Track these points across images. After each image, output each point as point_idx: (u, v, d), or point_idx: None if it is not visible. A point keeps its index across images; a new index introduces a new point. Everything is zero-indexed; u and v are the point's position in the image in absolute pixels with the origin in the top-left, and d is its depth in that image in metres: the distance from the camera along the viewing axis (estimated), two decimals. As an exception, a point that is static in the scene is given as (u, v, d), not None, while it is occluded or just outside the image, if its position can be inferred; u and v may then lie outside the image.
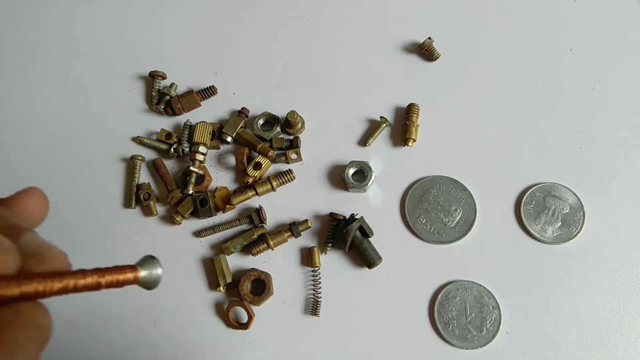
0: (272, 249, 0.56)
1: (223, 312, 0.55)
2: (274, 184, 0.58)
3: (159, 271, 0.28)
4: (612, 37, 0.65)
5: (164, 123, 0.63)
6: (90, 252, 0.57)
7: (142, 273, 0.27)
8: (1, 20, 0.69)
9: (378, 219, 0.57)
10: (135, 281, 0.27)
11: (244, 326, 0.54)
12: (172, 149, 0.60)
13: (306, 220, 0.57)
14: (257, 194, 0.58)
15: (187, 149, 0.60)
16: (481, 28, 0.66)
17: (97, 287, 0.26)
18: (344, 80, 0.64)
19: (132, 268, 0.27)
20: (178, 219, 0.57)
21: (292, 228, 0.56)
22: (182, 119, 0.62)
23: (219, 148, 0.61)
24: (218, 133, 0.61)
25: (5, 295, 0.23)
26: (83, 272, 0.26)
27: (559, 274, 0.55)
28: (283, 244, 0.57)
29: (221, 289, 0.55)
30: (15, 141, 0.63)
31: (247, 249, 0.56)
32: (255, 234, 0.56)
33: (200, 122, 0.59)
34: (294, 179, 0.59)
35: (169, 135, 0.61)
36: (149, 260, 0.28)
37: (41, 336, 0.24)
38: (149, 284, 0.28)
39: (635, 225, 0.57)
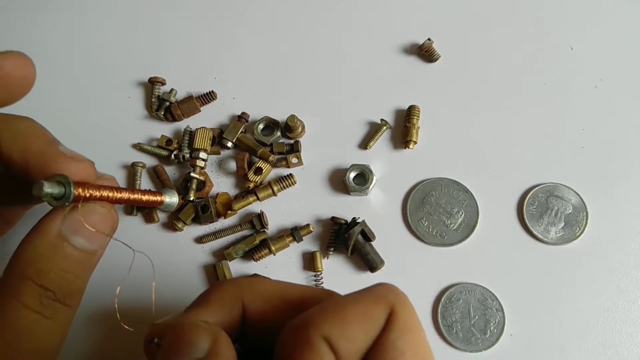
0: (274, 254, 0.56)
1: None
2: (275, 188, 0.57)
3: (175, 199, 0.48)
4: (613, 35, 0.65)
5: (164, 129, 0.62)
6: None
7: (165, 198, 0.45)
8: (0, 29, 0.69)
9: (380, 223, 0.57)
10: (161, 203, 0.44)
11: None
12: (172, 156, 0.60)
13: (308, 225, 0.57)
14: (258, 199, 0.58)
15: (188, 155, 0.60)
16: (481, 28, 0.66)
17: (140, 201, 0.41)
18: (343, 84, 0.64)
19: (160, 194, 0.44)
20: (179, 225, 0.57)
21: (294, 233, 0.56)
22: (183, 124, 0.62)
23: (219, 153, 0.61)
24: (218, 138, 0.60)
25: (93, 195, 0.35)
26: (132, 189, 0.40)
27: (562, 274, 0.55)
28: (285, 248, 0.57)
29: None
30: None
31: (249, 255, 0.56)
32: (257, 239, 0.56)
33: (200, 128, 0.59)
34: (295, 183, 0.58)
35: (169, 141, 0.61)
36: (170, 191, 0.47)
37: (113, 221, 0.37)
38: (168, 207, 0.47)
39: (639, 224, 0.57)
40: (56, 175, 0.33)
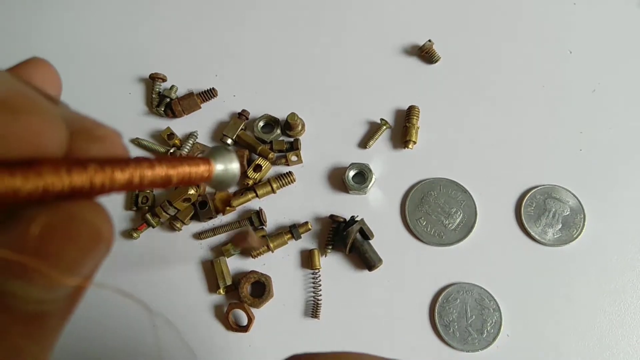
0: (272, 251, 0.56)
1: (223, 315, 0.55)
2: (274, 186, 0.58)
3: (234, 166, 0.21)
4: (612, 39, 0.66)
5: (164, 125, 0.62)
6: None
7: (218, 167, 0.21)
8: (0, 24, 0.69)
9: (378, 221, 0.57)
10: (209, 177, 0.21)
11: (244, 329, 0.54)
12: (168, 153, 0.60)
13: (306, 223, 0.57)
14: (257, 196, 0.58)
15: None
16: (481, 31, 0.67)
17: (167, 182, 0.19)
18: (344, 83, 0.64)
19: (205, 160, 0.20)
20: (178, 225, 0.57)
21: (293, 230, 0.56)
22: (183, 121, 0.62)
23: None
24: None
25: (51, 189, 0.15)
26: (150, 162, 0.19)
27: (559, 276, 0.55)
28: (283, 246, 0.57)
29: (221, 291, 0.55)
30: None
31: (247, 251, 0.56)
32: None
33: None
34: (294, 181, 0.59)
35: (171, 135, 0.61)
36: (222, 151, 0.21)
37: (102, 247, 0.17)
38: (223, 182, 0.21)
39: (636, 227, 0.57)
40: None
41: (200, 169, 0.20)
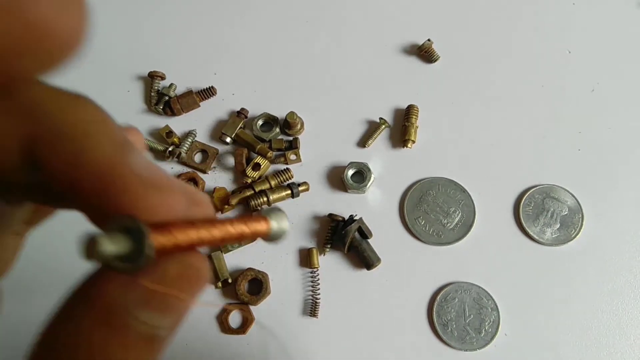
0: (269, 206, 0.56)
1: (221, 313, 0.55)
2: (273, 183, 0.58)
3: (286, 223, 0.25)
4: (611, 39, 0.66)
5: (163, 123, 0.62)
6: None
7: (273, 225, 0.24)
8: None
9: (377, 220, 0.57)
10: (267, 233, 0.24)
11: (241, 331, 0.54)
12: (167, 152, 0.60)
13: (305, 182, 0.58)
14: (255, 193, 0.58)
15: (184, 154, 0.60)
16: (480, 30, 0.67)
17: (242, 237, 0.23)
18: (343, 82, 0.64)
19: (264, 219, 0.24)
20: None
21: (292, 187, 0.56)
22: (181, 119, 0.62)
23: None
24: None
25: (179, 245, 0.19)
26: (230, 221, 0.22)
27: (557, 275, 0.55)
28: (281, 201, 0.57)
29: (219, 284, 0.55)
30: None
31: (246, 202, 0.57)
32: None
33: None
34: (292, 177, 0.59)
35: (170, 133, 0.60)
36: (276, 211, 0.25)
37: (203, 287, 0.21)
38: (275, 238, 0.25)
39: (634, 227, 0.57)
40: (122, 217, 0.18)
41: (263, 227, 0.24)
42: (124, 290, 0.18)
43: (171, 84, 0.63)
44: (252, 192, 0.57)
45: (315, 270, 0.56)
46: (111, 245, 0.17)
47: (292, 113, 0.59)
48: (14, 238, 0.23)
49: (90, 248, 0.17)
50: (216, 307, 0.22)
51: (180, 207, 0.20)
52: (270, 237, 0.24)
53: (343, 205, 0.59)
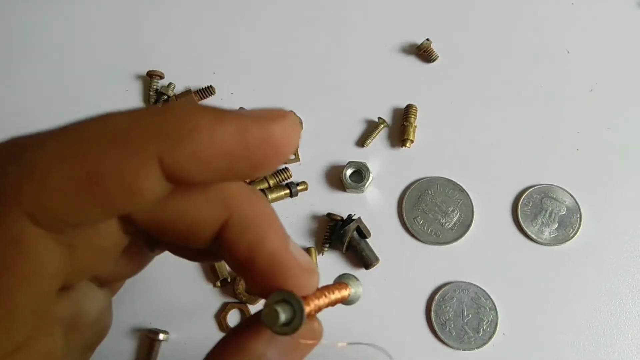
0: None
1: (219, 312, 0.55)
2: (271, 182, 0.58)
3: (361, 289, 0.30)
4: (610, 39, 0.66)
5: (162, 122, 0.62)
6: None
7: (352, 291, 0.29)
8: (-2, 19, 0.69)
9: (375, 220, 0.57)
10: (346, 298, 0.29)
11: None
12: None
13: (304, 182, 0.58)
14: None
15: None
16: (479, 30, 0.67)
17: (337, 302, 0.28)
18: (342, 81, 0.64)
19: (346, 286, 0.29)
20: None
21: (291, 186, 0.56)
22: (180, 118, 0.62)
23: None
24: None
25: (312, 314, 0.26)
26: (329, 288, 0.28)
27: (555, 275, 0.55)
28: (280, 200, 0.57)
29: (218, 283, 0.55)
30: (11, 140, 0.63)
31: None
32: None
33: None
34: (291, 177, 0.59)
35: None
36: (352, 278, 0.30)
37: (319, 339, 0.27)
38: (353, 302, 0.30)
39: (632, 227, 0.57)
40: (283, 292, 0.23)
41: (347, 293, 0.28)
42: (267, 345, 0.24)
43: (170, 83, 0.63)
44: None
45: (313, 269, 0.56)
46: (283, 314, 0.22)
47: (291, 112, 0.59)
48: (99, 293, 0.26)
49: (271, 318, 0.22)
50: (335, 346, 0.28)
51: (317, 284, 0.26)
52: (349, 302, 0.30)
53: (341, 204, 0.59)
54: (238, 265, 0.24)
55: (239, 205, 0.23)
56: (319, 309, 0.26)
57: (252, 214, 0.23)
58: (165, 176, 0.19)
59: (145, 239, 0.25)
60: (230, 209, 0.23)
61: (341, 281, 0.29)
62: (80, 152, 0.18)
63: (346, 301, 0.29)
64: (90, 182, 0.18)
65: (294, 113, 0.25)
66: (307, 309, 0.24)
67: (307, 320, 0.24)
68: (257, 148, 0.20)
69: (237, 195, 0.23)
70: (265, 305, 0.23)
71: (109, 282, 0.27)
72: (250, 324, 0.25)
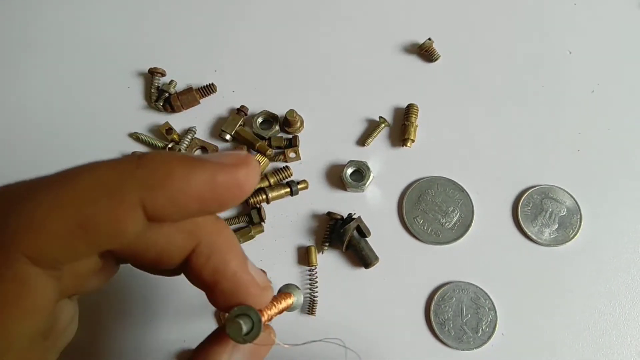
0: (268, 203, 0.57)
1: (219, 312, 0.55)
2: (272, 181, 0.58)
3: (301, 297, 0.35)
4: (612, 40, 0.66)
5: (163, 120, 0.62)
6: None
7: (295, 299, 0.34)
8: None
9: (375, 219, 0.57)
10: (291, 306, 0.33)
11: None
12: (167, 149, 0.60)
13: (304, 180, 0.58)
14: (254, 191, 0.58)
15: (184, 150, 0.60)
16: (481, 30, 0.67)
17: (284, 310, 0.32)
18: (343, 80, 0.64)
19: (289, 295, 0.33)
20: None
21: (291, 185, 0.57)
22: (181, 116, 0.62)
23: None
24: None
25: (266, 323, 0.30)
26: (277, 299, 0.32)
27: (555, 276, 0.56)
28: (280, 199, 0.58)
29: None
30: (10, 139, 0.63)
31: (245, 200, 0.57)
32: (252, 231, 0.56)
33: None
34: (292, 175, 0.59)
35: (169, 130, 0.61)
36: (294, 288, 0.34)
37: (273, 343, 0.31)
38: (295, 308, 0.34)
39: (632, 229, 0.57)
40: (242, 307, 0.27)
41: (291, 302, 0.33)
42: (232, 352, 0.28)
43: (171, 81, 0.63)
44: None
45: (313, 268, 0.56)
46: (244, 326, 0.26)
47: (291, 111, 0.59)
48: (70, 303, 0.29)
49: (235, 330, 0.26)
50: (289, 347, 0.32)
51: (270, 297, 0.30)
52: (293, 309, 0.34)
53: (342, 203, 0.59)
54: (203, 285, 0.27)
55: (205, 234, 0.26)
56: (271, 318, 0.30)
57: (217, 241, 0.27)
58: (146, 217, 0.22)
59: (116, 259, 0.28)
60: (198, 238, 0.26)
61: (286, 291, 0.33)
62: (74, 203, 0.21)
63: (290, 308, 0.33)
64: (83, 228, 0.21)
65: (254, 157, 0.31)
66: (263, 319, 0.28)
67: (263, 328, 0.27)
68: (225, 191, 0.24)
69: (203, 225, 0.26)
70: (228, 319, 0.26)
71: (80, 294, 0.30)
72: (215, 336, 0.29)
